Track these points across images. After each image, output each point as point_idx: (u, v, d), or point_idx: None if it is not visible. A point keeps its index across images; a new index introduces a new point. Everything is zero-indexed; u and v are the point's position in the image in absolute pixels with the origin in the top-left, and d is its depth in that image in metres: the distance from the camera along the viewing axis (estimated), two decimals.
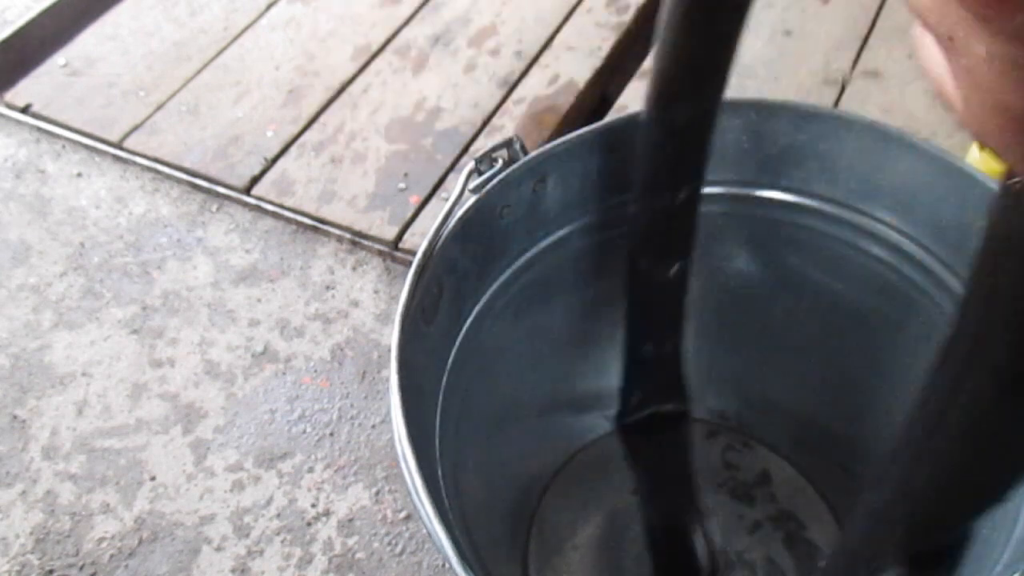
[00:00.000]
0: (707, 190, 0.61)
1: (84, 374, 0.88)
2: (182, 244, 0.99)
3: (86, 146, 1.09)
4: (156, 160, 1.06)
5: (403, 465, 0.42)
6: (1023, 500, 0.48)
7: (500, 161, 0.54)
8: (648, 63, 1.10)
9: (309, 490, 0.79)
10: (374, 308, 0.92)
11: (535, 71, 1.12)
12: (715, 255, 0.65)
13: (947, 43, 0.23)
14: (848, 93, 1.05)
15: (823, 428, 0.73)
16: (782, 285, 0.66)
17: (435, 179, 1.01)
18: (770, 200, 0.60)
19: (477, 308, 0.57)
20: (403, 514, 0.77)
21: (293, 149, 1.06)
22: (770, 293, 0.67)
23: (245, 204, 1.02)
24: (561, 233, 0.59)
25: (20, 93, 1.15)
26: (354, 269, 0.95)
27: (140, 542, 0.77)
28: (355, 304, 0.92)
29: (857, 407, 0.69)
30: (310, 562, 0.75)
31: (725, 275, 0.67)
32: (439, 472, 0.49)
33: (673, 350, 0.60)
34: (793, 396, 0.74)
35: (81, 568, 0.75)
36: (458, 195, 0.51)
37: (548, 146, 0.55)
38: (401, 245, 0.95)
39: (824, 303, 0.65)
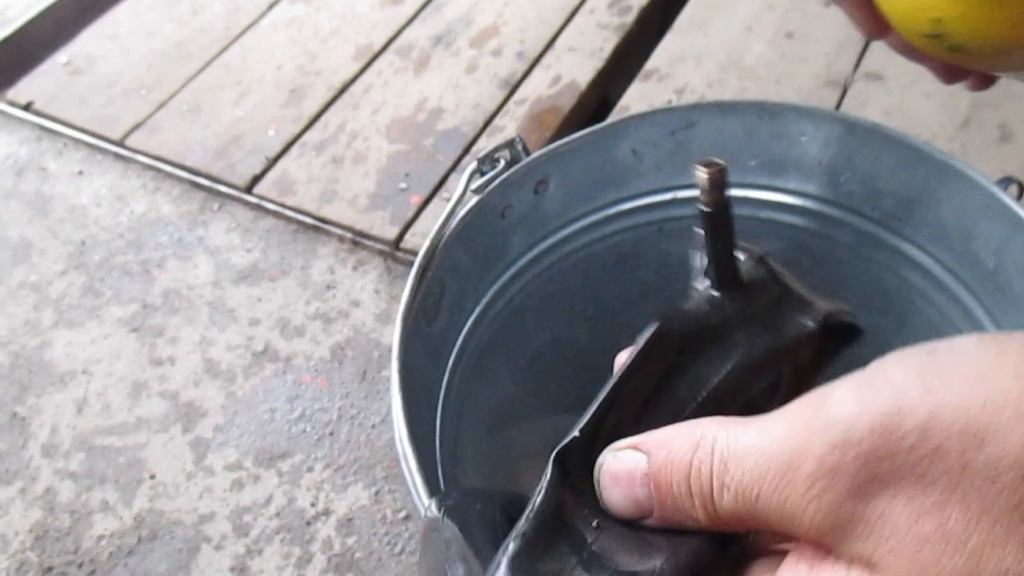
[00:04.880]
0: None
1: (84, 372, 0.88)
2: (183, 243, 0.99)
3: (87, 144, 1.09)
4: (157, 159, 1.06)
5: (403, 465, 0.42)
6: None
7: (502, 161, 0.54)
8: (650, 64, 1.10)
9: (308, 489, 0.79)
10: (375, 308, 0.92)
11: (537, 72, 1.12)
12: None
13: None
14: (850, 95, 1.05)
15: None
16: None
17: (437, 179, 1.01)
18: (770, 203, 0.60)
19: (478, 308, 0.57)
20: (403, 514, 0.77)
21: (294, 148, 1.06)
22: None
23: (246, 203, 1.02)
24: (563, 233, 0.60)
25: (21, 91, 1.15)
26: (355, 269, 0.95)
27: (139, 540, 0.77)
28: (356, 304, 0.93)
29: None
30: (309, 561, 0.75)
31: None
32: (439, 472, 0.50)
33: None
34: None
35: (80, 566, 0.75)
36: (460, 195, 0.51)
37: (550, 147, 0.55)
38: (402, 245, 0.95)
39: None
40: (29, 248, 1.00)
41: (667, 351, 0.30)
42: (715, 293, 0.33)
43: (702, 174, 0.32)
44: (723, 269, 0.34)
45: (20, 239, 1.00)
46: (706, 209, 0.33)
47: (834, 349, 0.34)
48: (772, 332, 0.32)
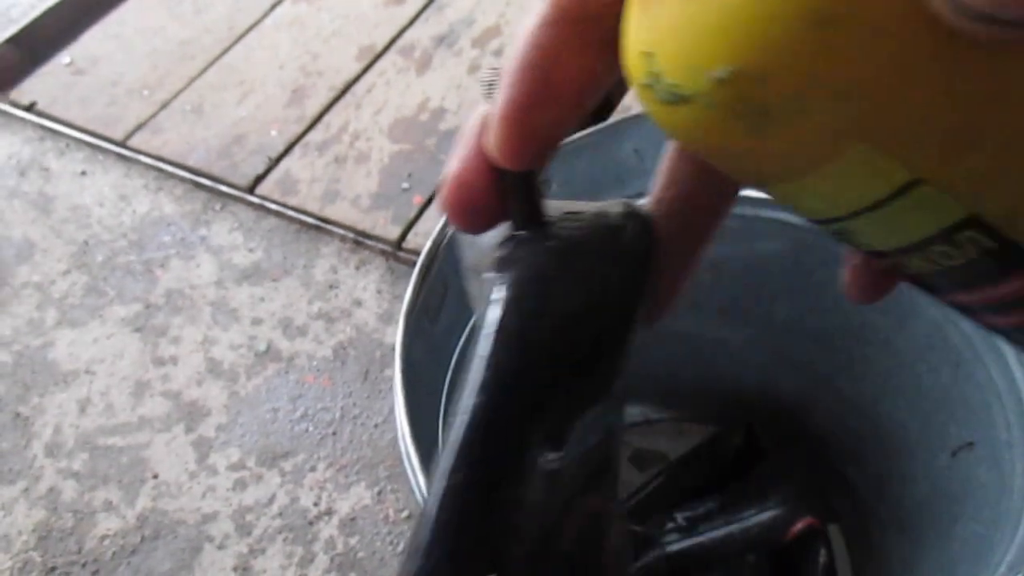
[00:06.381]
0: None
1: (87, 372, 0.89)
2: (185, 243, 0.99)
3: (90, 144, 1.09)
4: (160, 159, 1.06)
5: (406, 464, 0.42)
6: None
7: None
8: None
9: (311, 489, 0.79)
10: (377, 308, 0.92)
11: None
12: (714, 257, 0.65)
13: None
14: None
15: (821, 431, 0.73)
16: (781, 288, 0.66)
17: (439, 179, 1.01)
18: (769, 200, 0.60)
19: None
20: (405, 513, 0.77)
21: (297, 148, 1.06)
22: (770, 295, 0.67)
23: (249, 203, 1.02)
24: None
25: (25, 91, 1.15)
26: (357, 268, 0.96)
27: (142, 540, 0.77)
28: (358, 303, 0.93)
29: (859, 410, 0.69)
30: (312, 561, 0.75)
31: (723, 279, 0.67)
32: None
33: None
34: (794, 400, 0.74)
35: (83, 565, 0.76)
36: None
37: None
38: (404, 245, 0.96)
39: (824, 304, 0.65)
40: (32, 248, 1.00)
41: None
42: (523, 234, 0.26)
43: (485, 75, 0.25)
44: (525, 204, 0.26)
45: (23, 239, 1.01)
46: None
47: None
48: (607, 245, 0.26)
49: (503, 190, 0.24)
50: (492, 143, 0.22)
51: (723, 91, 0.17)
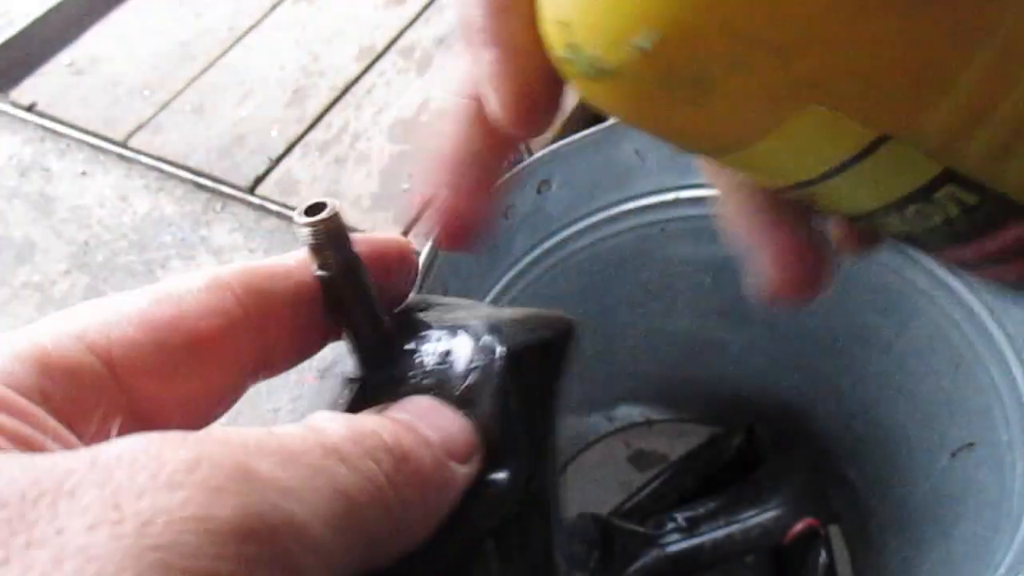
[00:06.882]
0: (702, 192, 0.61)
1: None
2: (186, 243, 0.99)
3: (91, 145, 1.09)
4: (160, 159, 1.06)
5: None
6: None
7: None
8: None
9: None
10: None
11: None
12: (715, 258, 0.65)
13: None
14: None
15: (822, 433, 0.73)
16: None
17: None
18: None
19: None
20: None
21: (297, 149, 1.06)
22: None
23: (249, 204, 1.02)
24: (565, 234, 0.60)
25: (25, 91, 1.15)
26: None
27: None
28: None
29: (860, 412, 0.69)
30: None
31: (724, 280, 0.67)
32: None
33: None
34: (795, 401, 0.74)
35: None
36: None
37: (553, 147, 0.55)
38: None
39: (825, 306, 0.65)
40: (33, 248, 1.00)
41: None
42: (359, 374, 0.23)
43: (304, 229, 0.21)
44: (365, 338, 0.24)
45: (24, 239, 1.01)
46: (321, 273, 0.22)
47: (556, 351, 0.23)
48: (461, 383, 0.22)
49: (338, 319, 0.22)
50: (499, 107, 0.19)
51: (650, 62, 0.15)
